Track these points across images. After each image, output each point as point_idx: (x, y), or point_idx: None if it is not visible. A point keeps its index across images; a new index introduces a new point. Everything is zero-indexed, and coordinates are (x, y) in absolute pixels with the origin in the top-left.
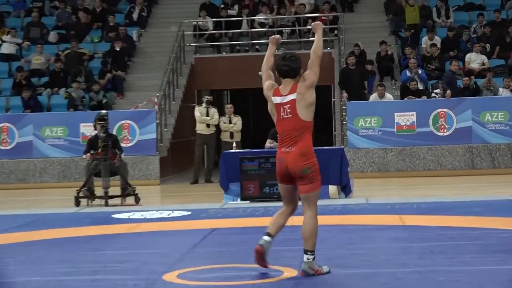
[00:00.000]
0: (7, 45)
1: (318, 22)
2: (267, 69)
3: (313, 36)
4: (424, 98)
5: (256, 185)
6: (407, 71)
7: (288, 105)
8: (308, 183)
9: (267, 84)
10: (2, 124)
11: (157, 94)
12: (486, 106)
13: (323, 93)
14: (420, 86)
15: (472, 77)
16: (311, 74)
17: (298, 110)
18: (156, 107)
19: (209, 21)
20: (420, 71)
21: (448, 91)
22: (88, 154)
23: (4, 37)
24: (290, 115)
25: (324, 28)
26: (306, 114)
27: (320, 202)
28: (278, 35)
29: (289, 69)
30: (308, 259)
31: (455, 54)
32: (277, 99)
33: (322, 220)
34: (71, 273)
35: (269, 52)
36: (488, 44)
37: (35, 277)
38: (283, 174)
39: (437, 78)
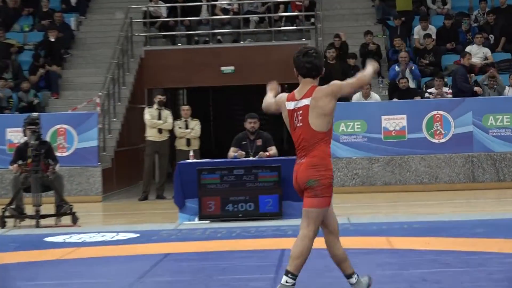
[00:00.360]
0: None
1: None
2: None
3: (286, 25)
4: (417, 98)
5: (217, 202)
6: (397, 67)
7: (301, 111)
8: (313, 197)
9: (278, 96)
10: None
11: (100, 94)
12: (490, 108)
13: None
14: (412, 84)
15: (473, 74)
16: (339, 83)
17: (310, 119)
18: (99, 109)
19: (162, 7)
20: (412, 67)
21: (478, 88)
22: (16, 165)
23: None
24: (302, 124)
25: (298, 16)
26: (319, 124)
27: (292, 222)
28: (275, 82)
29: (312, 66)
30: (287, 282)
31: (453, 47)
32: (290, 105)
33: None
34: None
35: (269, 95)
36: (491, 35)
37: None
38: (298, 190)
39: (432, 75)
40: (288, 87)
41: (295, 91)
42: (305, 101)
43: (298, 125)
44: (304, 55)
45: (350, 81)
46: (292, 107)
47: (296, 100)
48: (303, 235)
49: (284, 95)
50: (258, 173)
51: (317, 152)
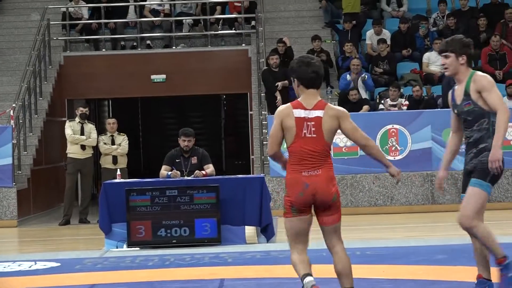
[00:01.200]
0: None
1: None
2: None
3: (223, 29)
4: (365, 108)
5: (148, 227)
6: (348, 75)
7: (313, 123)
8: (336, 212)
9: (278, 111)
10: None
11: (14, 105)
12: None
13: (236, 104)
14: (364, 95)
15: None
16: (351, 122)
17: (324, 131)
18: (13, 122)
19: (84, 7)
20: (365, 76)
21: None
22: None
23: None
24: (315, 135)
25: (237, 18)
26: (330, 136)
27: (232, 249)
28: None
29: (316, 76)
30: None
31: (409, 54)
32: (300, 112)
33: (236, 272)
34: None
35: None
36: None
37: None
38: (307, 202)
39: (387, 84)
40: (225, 98)
41: (301, 100)
42: (318, 113)
43: (308, 135)
44: (306, 65)
45: (363, 134)
46: (302, 115)
47: (306, 109)
48: (343, 248)
49: (285, 108)
50: (194, 194)
51: (331, 165)
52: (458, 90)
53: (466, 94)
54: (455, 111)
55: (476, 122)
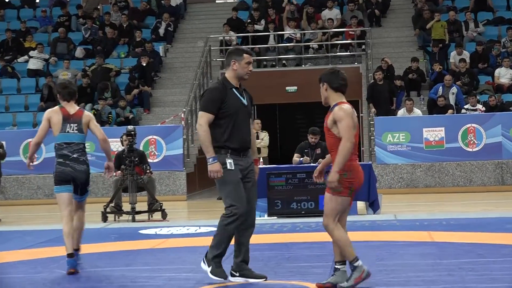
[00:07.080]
0: (34, 61)
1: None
2: None
3: (341, 51)
4: (450, 112)
5: (283, 201)
6: (440, 87)
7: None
8: None
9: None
10: (29, 140)
11: (184, 110)
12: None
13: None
14: (452, 102)
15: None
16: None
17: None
18: (183, 122)
19: (235, 36)
20: (455, 89)
21: None
22: (119, 171)
23: (31, 53)
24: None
25: (351, 43)
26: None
27: (348, 218)
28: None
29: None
30: None
31: (484, 67)
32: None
33: (350, 236)
34: None
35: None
36: None
37: None
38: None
39: (467, 93)
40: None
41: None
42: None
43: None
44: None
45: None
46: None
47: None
48: None
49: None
50: None
51: None
52: None
53: None
54: None
55: None
